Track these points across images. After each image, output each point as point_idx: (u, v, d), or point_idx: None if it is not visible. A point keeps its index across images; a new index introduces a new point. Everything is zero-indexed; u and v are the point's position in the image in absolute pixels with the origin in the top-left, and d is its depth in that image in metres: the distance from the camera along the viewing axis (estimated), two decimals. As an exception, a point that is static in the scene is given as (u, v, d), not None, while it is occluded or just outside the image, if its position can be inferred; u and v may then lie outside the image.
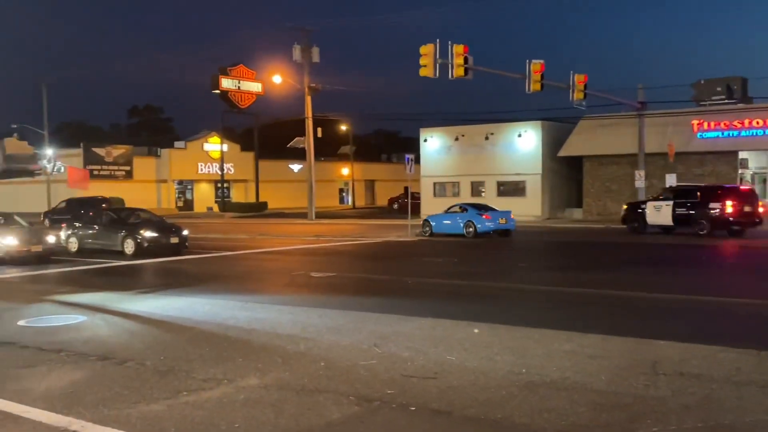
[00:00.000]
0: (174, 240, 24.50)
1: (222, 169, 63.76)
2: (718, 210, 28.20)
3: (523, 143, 45.00)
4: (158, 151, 67.38)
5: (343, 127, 73.37)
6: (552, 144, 44.50)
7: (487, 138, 46.11)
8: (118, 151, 63.49)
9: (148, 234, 24.05)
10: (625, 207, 33.37)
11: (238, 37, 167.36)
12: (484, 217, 30.10)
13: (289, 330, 10.66)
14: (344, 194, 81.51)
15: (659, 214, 30.13)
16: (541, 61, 30.63)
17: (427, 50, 27.78)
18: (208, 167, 67.98)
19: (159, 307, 13.12)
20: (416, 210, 43.77)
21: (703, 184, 32.39)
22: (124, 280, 18.56)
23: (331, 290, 15.46)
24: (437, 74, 28.24)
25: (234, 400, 7.25)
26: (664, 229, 30.44)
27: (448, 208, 32.99)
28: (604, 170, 43.16)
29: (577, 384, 7.54)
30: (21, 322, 11.70)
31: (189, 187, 69.71)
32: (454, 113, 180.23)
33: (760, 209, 29.04)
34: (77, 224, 26.15)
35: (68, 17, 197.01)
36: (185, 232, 25.33)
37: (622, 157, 41.27)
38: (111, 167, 61.87)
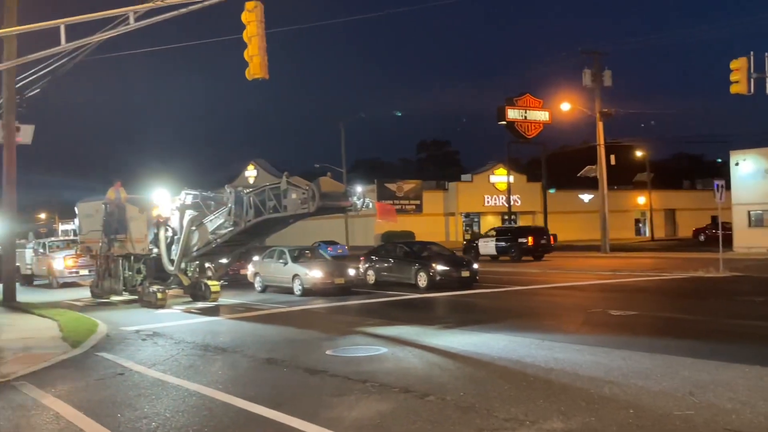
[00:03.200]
0: (465, 273, 24.86)
1: (509, 200, 63.62)
2: (525, 243, 39.36)
3: None
4: (446, 185, 69.53)
5: (639, 153, 69.55)
6: None
7: None
8: (408, 185, 66.61)
9: (440, 267, 24.64)
10: (464, 242, 47.06)
11: (523, 66, 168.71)
12: (329, 249, 41.22)
13: (590, 372, 10.12)
14: (641, 225, 77.39)
15: (487, 246, 41.01)
16: None
17: (738, 64, 25.43)
18: (494, 199, 68.58)
19: (455, 341, 13.22)
20: (728, 242, 39.56)
21: (514, 225, 48.76)
22: (419, 313, 19.13)
23: (633, 330, 14.49)
24: (752, 90, 25.71)
25: (538, 444, 6.95)
26: (491, 258, 40.74)
27: (313, 244, 42.17)
28: None
29: None
30: (329, 352, 12.48)
31: (476, 219, 70.84)
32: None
33: (550, 241, 41.61)
34: (374, 258, 27.62)
35: (359, 62, 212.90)
36: (475, 266, 25.63)
37: None
38: (402, 201, 64.78)
